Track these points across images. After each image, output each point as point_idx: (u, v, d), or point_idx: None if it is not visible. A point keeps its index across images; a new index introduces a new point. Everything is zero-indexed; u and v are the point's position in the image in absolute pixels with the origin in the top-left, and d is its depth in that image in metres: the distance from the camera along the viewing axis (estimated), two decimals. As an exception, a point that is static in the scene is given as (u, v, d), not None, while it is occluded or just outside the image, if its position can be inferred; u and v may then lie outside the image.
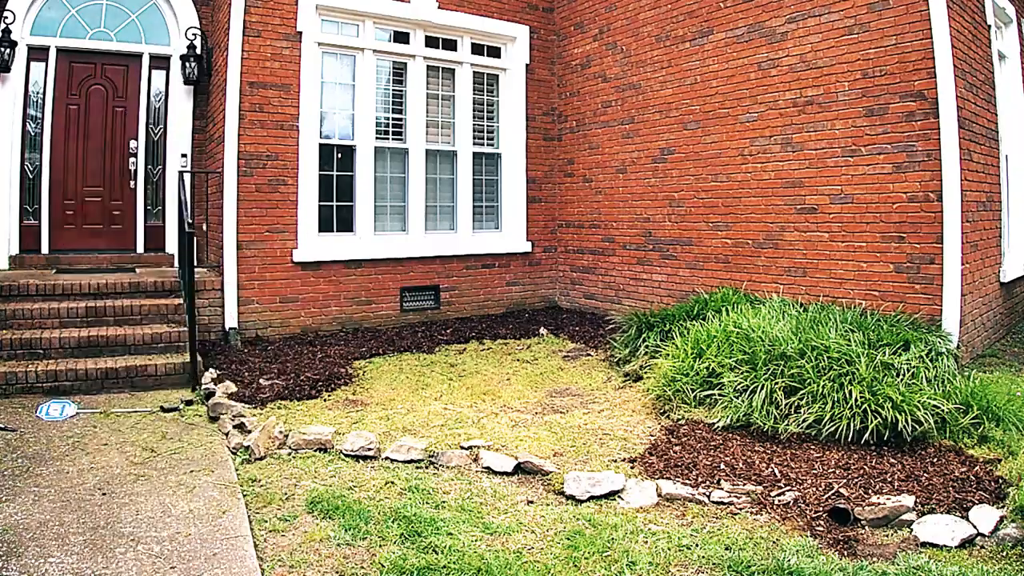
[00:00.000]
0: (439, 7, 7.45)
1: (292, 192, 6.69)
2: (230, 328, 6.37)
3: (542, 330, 7.15)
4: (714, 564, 2.68)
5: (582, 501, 3.28)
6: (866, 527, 2.99)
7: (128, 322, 5.68)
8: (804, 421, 3.89)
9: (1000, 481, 3.27)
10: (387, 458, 3.76)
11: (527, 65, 8.17)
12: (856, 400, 3.79)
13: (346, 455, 3.79)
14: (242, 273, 6.46)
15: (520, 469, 3.61)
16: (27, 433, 4.12)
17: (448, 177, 7.84)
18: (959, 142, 4.91)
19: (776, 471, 3.53)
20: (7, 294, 5.55)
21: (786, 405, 4.01)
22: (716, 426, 4.11)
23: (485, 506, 3.22)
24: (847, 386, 3.90)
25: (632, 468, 3.68)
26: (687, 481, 3.48)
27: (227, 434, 4.15)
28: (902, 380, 4.04)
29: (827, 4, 5.61)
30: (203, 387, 5.02)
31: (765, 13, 6.06)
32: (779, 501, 3.23)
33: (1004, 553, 2.73)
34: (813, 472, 3.51)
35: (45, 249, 7.11)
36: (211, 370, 5.42)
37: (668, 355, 4.78)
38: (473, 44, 7.88)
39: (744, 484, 3.40)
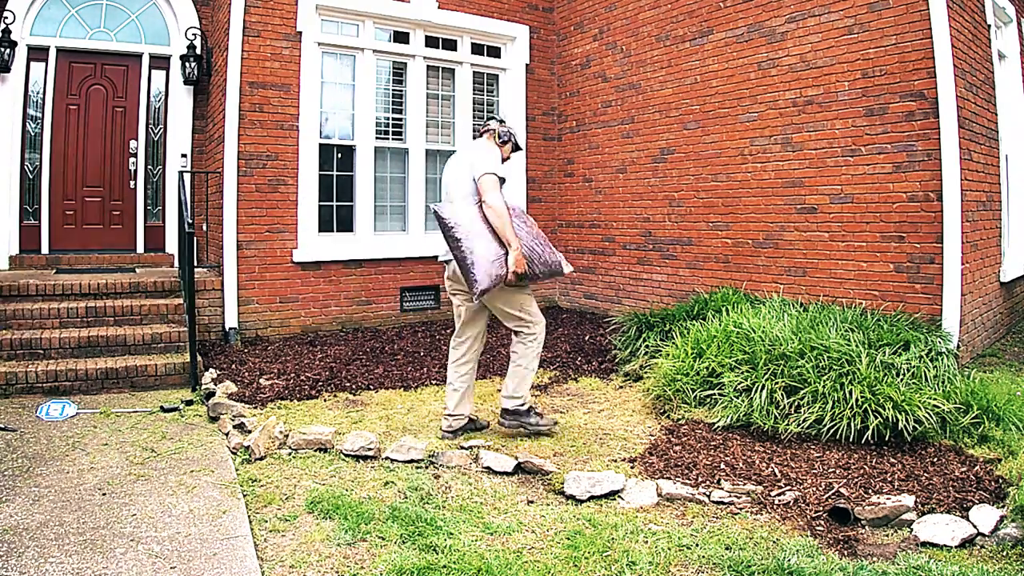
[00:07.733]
0: (439, 7, 7.45)
1: (292, 192, 6.69)
2: (230, 328, 6.37)
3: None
4: (714, 564, 2.68)
5: (582, 501, 3.28)
6: (866, 527, 2.99)
7: (128, 322, 5.69)
8: (804, 421, 3.89)
9: (1000, 481, 3.27)
10: (387, 458, 3.76)
11: (527, 65, 8.17)
12: (856, 400, 3.79)
13: (346, 455, 3.79)
14: (242, 273, 6.46)
15: (520, 469, 3.61)
16: (27, 433, 4.12)
17: (448, 177, 7.83)
18: (959, 142, 4.90)
19: (776, 471, 3.53)
20: (7, 294, 5.56)
21: (786, 405, 4.01)
22: (716, 426, 4.10)
23: (485, 506, 3.22)
24: (847, 386, 3.90)
25: (632, 468, 3.68)
26: (687, 481, 3.48)
27: (227, 434, 4.15)
28: (902, 380, 4.04)
29: (827, 4, 5.61)
30: (203, 387, 5.02)
31: (765, 13, 6.06)
32: (779, 501, 3.23)
33: (1004, 553, 2.72)
34: (813, 472, 3.51)
35: (45, 249, 7.12)
36: (211, 370, 5.42)
37: (668, 355, 4.78)
38: (473, 44, 7.88)
39: (744, 484, 3.40)
